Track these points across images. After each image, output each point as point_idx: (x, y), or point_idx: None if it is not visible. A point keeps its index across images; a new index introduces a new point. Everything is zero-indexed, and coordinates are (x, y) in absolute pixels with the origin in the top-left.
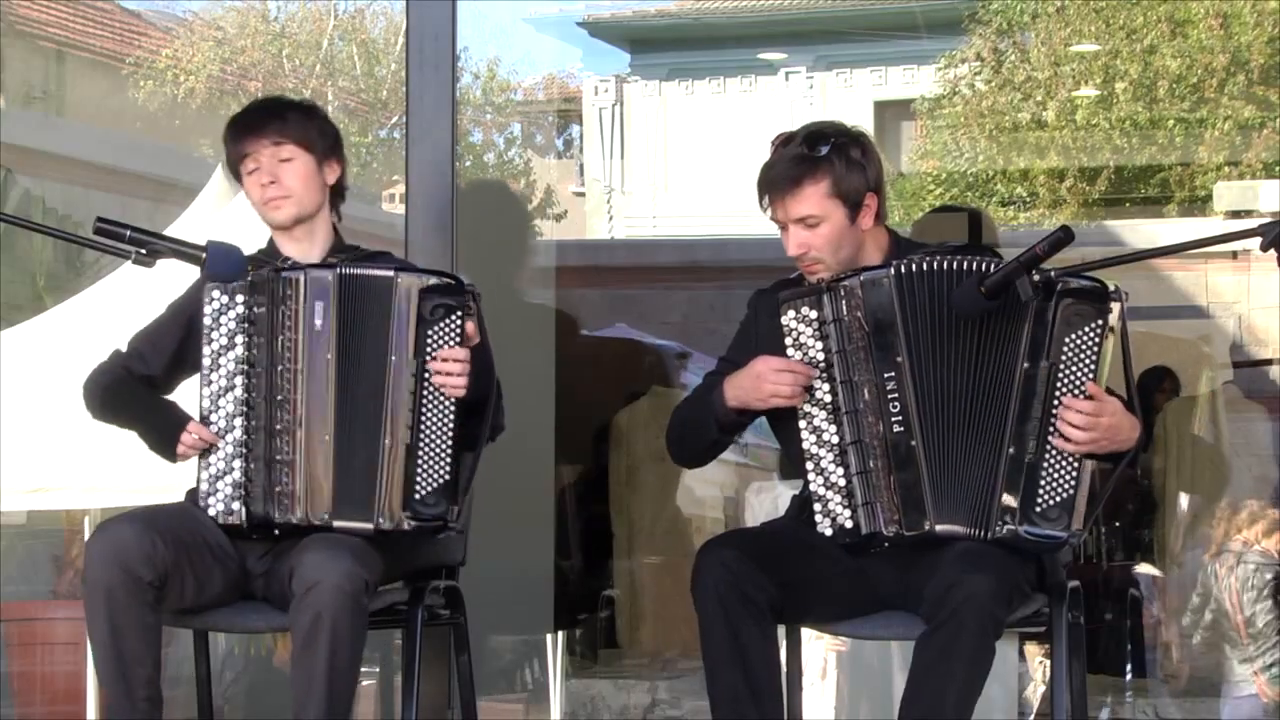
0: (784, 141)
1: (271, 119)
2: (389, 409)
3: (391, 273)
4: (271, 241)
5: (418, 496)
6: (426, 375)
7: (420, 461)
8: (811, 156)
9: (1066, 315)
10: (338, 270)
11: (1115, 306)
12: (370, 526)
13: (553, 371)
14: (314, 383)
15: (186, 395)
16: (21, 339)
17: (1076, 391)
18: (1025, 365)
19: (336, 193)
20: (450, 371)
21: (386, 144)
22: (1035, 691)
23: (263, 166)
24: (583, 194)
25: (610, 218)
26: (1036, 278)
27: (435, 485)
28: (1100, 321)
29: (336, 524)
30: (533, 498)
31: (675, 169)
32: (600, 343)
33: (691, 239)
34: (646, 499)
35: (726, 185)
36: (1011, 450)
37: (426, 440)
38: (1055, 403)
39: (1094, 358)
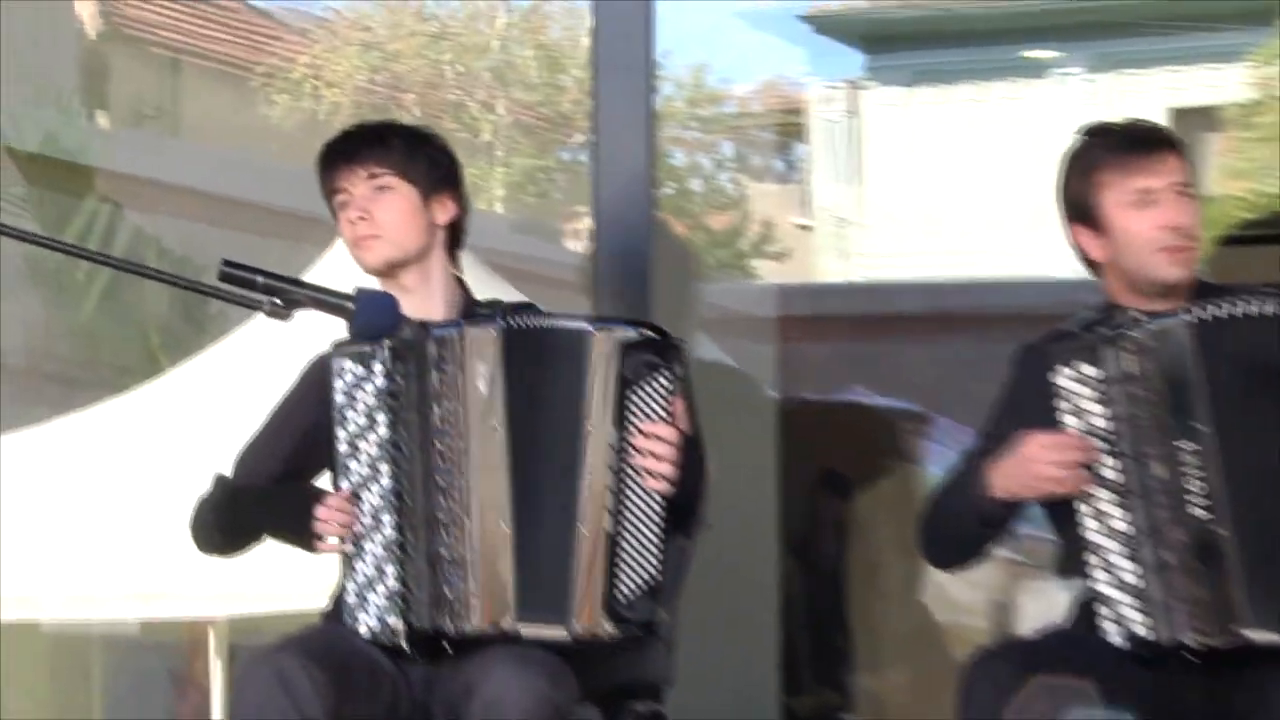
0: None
1: (368, 144)
2: (585, 490)
3: (585, 325)
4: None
5: (620, 598)
6: (629, 449)
7: (624, 555)
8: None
9: None
10: (500, 323)
11: None
12: (564, 633)
13: (773, 447)
14: (483, 461)
15: None
16: (132, 408)
17: None
18: None
19: (454, 236)
20: (656, 454)
21: (570, 168)
22: None
23: (354, 200)
24: (809, 227)
25: (843, 256)
26: None
27: (641, 585)
28: None
29: (524, 631)
30: (751, 602)
31: (923, 194)
32: (831, 410)
33: (942, 282)
34: (893, 603)
35: (985, 214)
36: None
37: (631, 528)
38: None
39: None
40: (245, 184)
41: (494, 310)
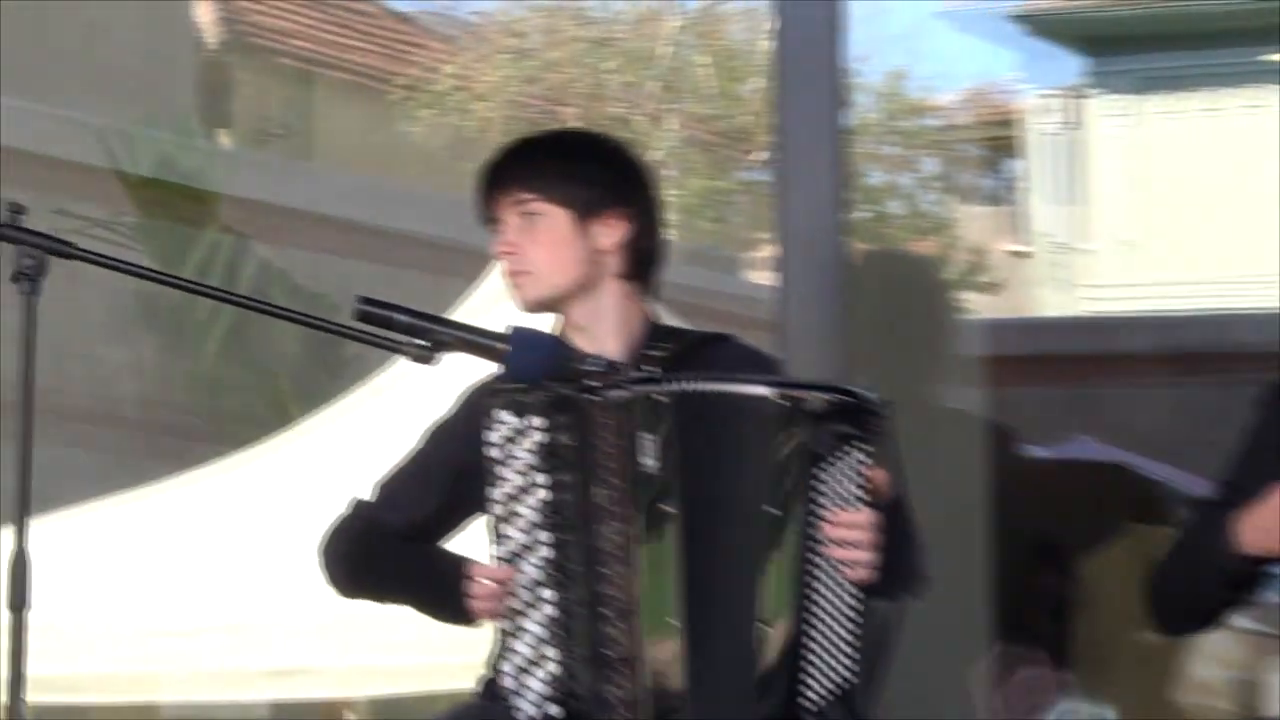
0: None
1: (515, 163)
2: (766, 581)
3: (765, 391)
4: (561, 330)
5: (808, 704)
6: (817, 534)
7: (812, 656)
8: None
9: None
10: (672, 386)
11: None
12: None
13: (985, 509)
14: (650, 546)
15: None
16: (259, 464)
17: None
18: None
19: (639, 260)
20: (850, 542)
21: (751, 189)
22: None
23: (504, 231)
24: (1024, 254)
25: (1063, 287)
26: None
27: (832, 688)
28: None
29: None
30: (962, 694)
31: (1155, 217)
32: (1053, 466)
33: (1179, 315)
34: (1126, 682)
35: (1225, 238)
36: None
37: (821, 625)
38: None
39: None
40: (384, 210)
41: (678, 345)
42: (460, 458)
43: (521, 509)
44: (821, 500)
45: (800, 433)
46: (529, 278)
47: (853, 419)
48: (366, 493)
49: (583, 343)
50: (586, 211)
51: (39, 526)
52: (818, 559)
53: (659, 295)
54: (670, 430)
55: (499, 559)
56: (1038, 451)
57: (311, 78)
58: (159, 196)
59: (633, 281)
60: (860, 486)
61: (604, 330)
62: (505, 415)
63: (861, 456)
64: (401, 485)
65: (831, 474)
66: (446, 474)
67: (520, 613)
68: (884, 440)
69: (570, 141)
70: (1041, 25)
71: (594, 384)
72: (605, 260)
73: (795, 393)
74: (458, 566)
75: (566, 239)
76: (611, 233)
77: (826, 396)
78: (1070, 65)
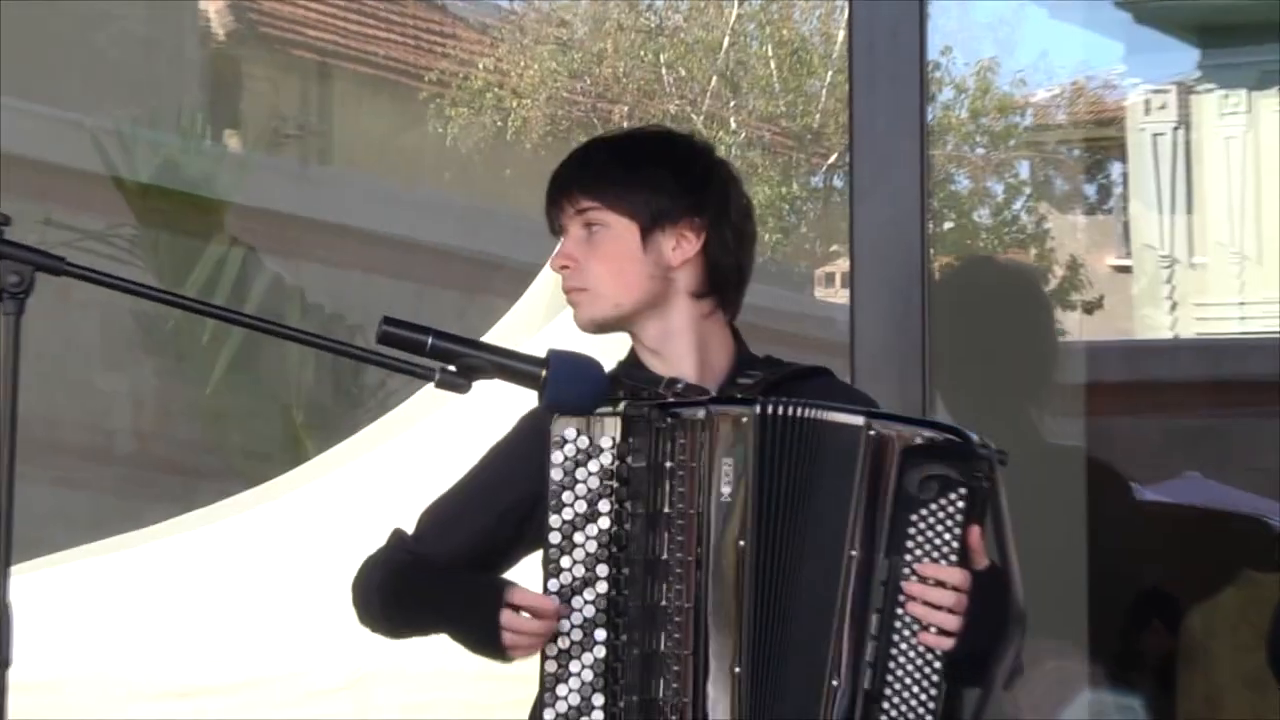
0: None
1: (581, 168)
2: (841, 632)
3: (859, 420)
4: (633, 351)
5: None
6: (903, 586)
7: (887, 717)
8: None
9: None
10: (759, 408)
11: None
12: None
13: (1084, 553)
14: (718, 585)
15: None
16: (272, 506)
17: None
18: None
19: (715, 276)
20: (932, 602)
21: (822, 196)
22: None
23: (566, 243)
24: (1128, 268)
25: (1172, 305)
26: None
27: None
28: None
29: None
30: None
31: (1273, 227)
32: (1160, 506)
33: None
34: None
35: None
36: None
37: (898, 687)
38: None
39: None
40: (411, 220)
41: (769, 375)
42: (522, 482)
43: (580, 538)
44: (911, 549)
45: (895, 472)
46: (587, 295)
47: (957, 463)
48: (407, 525)
49: (657, 367)
50: (654, 222)
51: (24, 574)
52: (900, 615)
53: (738, 314)
54: (751, 457)
55: (552, 594)
56: (1145, 493)
57: (330, 72)
58: (160, 205)
59: (708, 299)
60: (956, 540)
61: (677, 353)
62: (571, 433)
63: (962, 506)
64: (452, 512)
65: (925, 522)
66: (505, 500)
67: (569, 654)
68: (991, 493)
69: (639, 143)
70: (1148, 13)
71: (670, 402)
72: (675, 278)
73: (893, 426)
74: (496, 591)
75: (631, 253)
76: (682, 247)
77: (928, 433)
78: (1180, 58)
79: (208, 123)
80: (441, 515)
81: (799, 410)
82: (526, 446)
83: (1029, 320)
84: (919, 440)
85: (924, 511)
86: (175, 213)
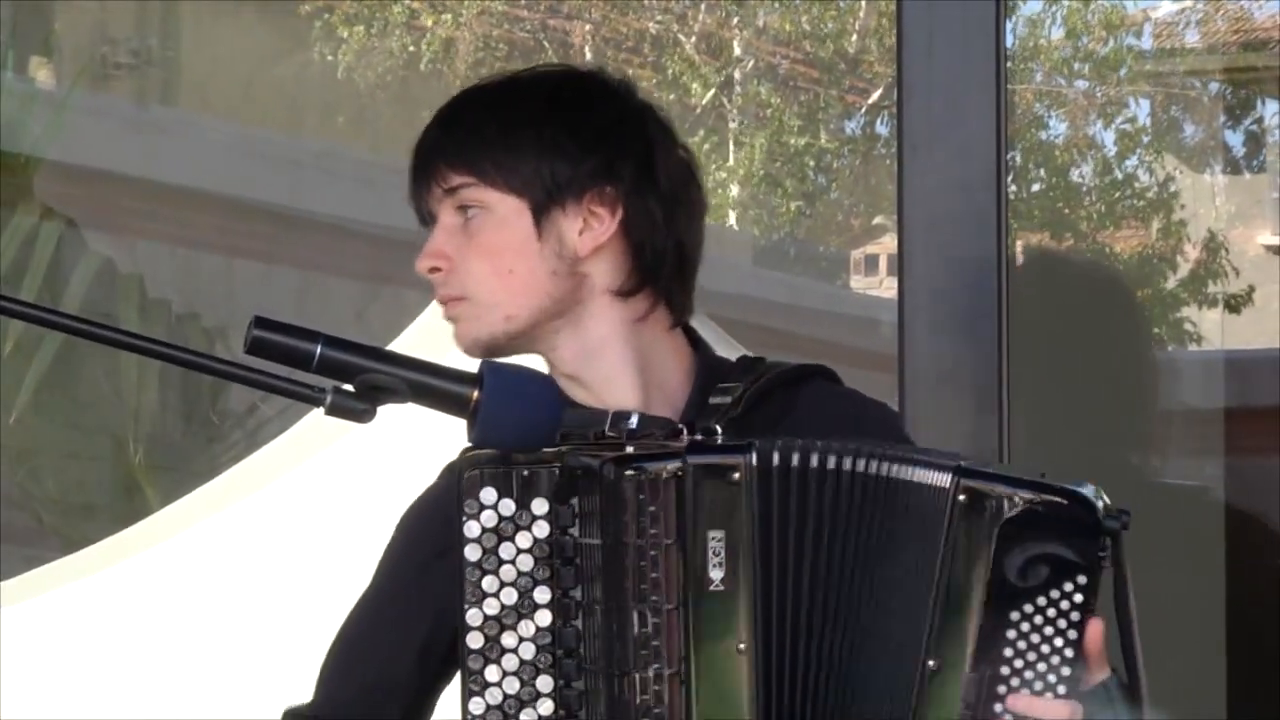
0: None
1: (445, 134)
2: None
3: (947, 478)
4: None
5: None
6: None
7: None
8: None
9: None
10: (753, 455)
11: None
12: None
13: (1221, 629)
14: (711, 705)
15: None
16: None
17: None
18: None
19: (643, 263)
20: None
21: (860, 149)
22: None
23: (433, 235)
24: None
25: None
26: None
27: None
28: None
29: None
30: None
31: None
32: None
33: None
34: None
35: None
36: None
37: None
38: None
39: None
40: (292, 183)
41: (746, 388)
42: (445, 592)
43: (511, 640)
44: (1010, 658)
45: (986, 549)
46: (467, 306)
47: (1073, 538)
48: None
49: (582, 397)
50: (550, 198)
51: None
52: None
53: (689, 313)
54: (751, 525)
55: (474, 718)
56: None
57: None
58: None
59: (639, 297)
60: (1071, 646)
61: (604, 375)
62: (490, 496)
63: (1079, 600)
64: (350, 663)
65: (1031, 622)
66: (421, 630)
67: None
68: (1118, 578)
69: (524, 91)
70: None
71: (629, 451)
72: (588, 270)
73: (980, 484)
74: None
75: (521, 243)
76: (593, 227)
77: (1028, 495)
78: None
79: (9, 49)
80: (340, 670)
81: (833, 455)
82: (445, 530)
83: (1137, 327)
84: (1019, 505)
85: (1028, 608)
86: None
